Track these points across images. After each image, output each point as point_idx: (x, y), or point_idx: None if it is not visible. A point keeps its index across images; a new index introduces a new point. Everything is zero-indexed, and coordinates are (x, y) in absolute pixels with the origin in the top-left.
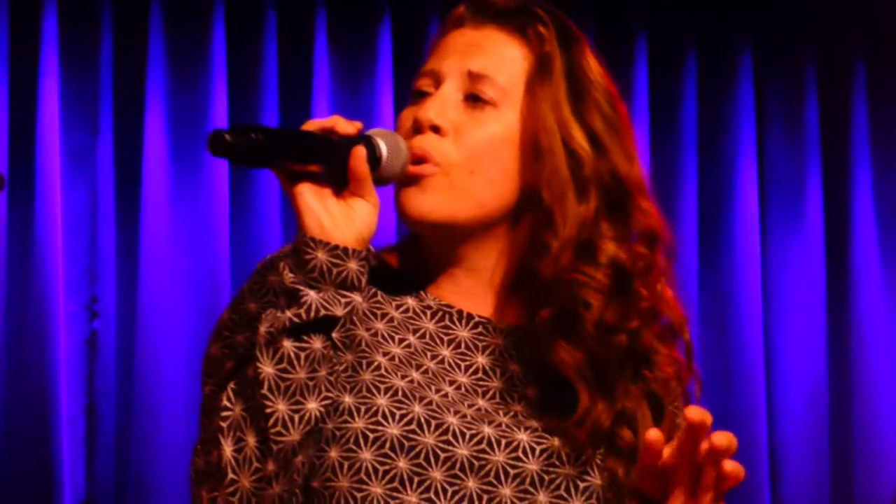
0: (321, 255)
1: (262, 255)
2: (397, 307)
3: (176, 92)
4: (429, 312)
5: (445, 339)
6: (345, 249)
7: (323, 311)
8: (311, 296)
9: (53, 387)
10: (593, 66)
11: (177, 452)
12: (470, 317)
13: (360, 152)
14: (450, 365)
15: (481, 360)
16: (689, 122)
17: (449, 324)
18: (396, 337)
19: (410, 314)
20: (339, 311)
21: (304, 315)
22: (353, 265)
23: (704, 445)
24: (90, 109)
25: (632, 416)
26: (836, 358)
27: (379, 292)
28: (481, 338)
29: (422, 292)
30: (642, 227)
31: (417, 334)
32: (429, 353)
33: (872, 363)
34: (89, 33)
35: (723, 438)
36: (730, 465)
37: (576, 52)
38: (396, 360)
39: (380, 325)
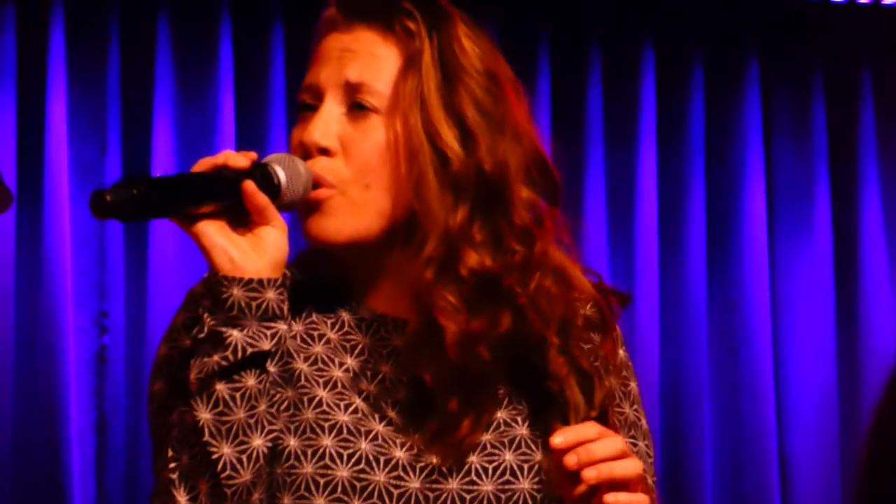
0: (237, 292)
1: None
2: (332, 325)
3: (183, 106)
4: (363, 325)
5: (384, 352)
6: (259, 281)
7: (250, 349)
8: (235, 335)
9: (63, 402)
10: (467, 48)
11: None
12: (404, 323)
13: (249, 186)
14: (391, 382)
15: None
16: (696, 132)
17: (385, 335)
18: (336, 360)
19: (346, 329)
20: (266, 345)
21: (231, 357)
22: (271, 295)
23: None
24: (98, 124)
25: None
26: (846, 367)
27: (313, 312)
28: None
29: (354, 303)
30: (520, 220)
31: (355, 352)
32: (369, 374)
33: (882, 372)
34: (97, 48)
35: (571, 457)
36: (590, 473)
37: (448, 37)
38: (339, 386)
39: (318, 349)
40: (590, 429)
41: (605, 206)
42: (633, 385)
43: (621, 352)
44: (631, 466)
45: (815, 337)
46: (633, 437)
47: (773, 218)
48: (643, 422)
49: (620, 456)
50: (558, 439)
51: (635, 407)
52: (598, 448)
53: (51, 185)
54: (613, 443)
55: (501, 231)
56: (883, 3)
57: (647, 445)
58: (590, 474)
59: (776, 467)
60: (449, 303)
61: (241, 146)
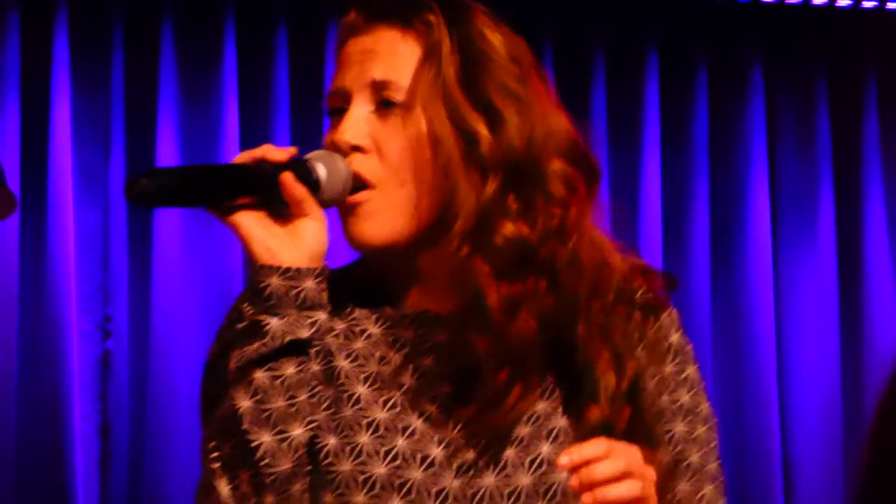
0: (275, 281)
1: None
2: (376, 320)
3: (187, 110)
4: (406, 320)
5: (426, 346)
6: (297, 270)
7: (288, 337)
8: (273, 323)
9: (67, 406)
10: (490, 36)
11: (191, 471)
12: (447, 319)
13: (287, 177)
14: (431, 377)
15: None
16: (700, 137)
17: (427, 329)
18: (377, 354)
19: (389, 324)
20: (304, 333)
21: (269, 344)
22: (309, 283)
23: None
24: (102, 128)
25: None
26: (849, 370)
27: (356, 309)
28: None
29: (398, 301)
30: (556, 190)
31: (397, 346)
32: (410, 367)
33: (885, 375)
34: (101, 53)
35: (574, 479)
36: (587, 499)
37: (467, 27)
38: (378, 381)
39: (360, 345)
40: (597, 447)
41: (608, 210)
42: (689, 370)
43: (676, 336)
44: (629, 489)
45: (819, 340)
46: (689, 422)
47: (777, 221)
48: (703, 406)
49: (622, 477)
50: (564, 459)
51: (693, 392)
52: (600, 470)
53: (54, 189)
54: (616, 463)
55: (536, 201)
56: (887, 7)
57: (707, 430)
58: (587, 500)
59: (780, 470)
60: (487, 271)
61: (245, 150)
